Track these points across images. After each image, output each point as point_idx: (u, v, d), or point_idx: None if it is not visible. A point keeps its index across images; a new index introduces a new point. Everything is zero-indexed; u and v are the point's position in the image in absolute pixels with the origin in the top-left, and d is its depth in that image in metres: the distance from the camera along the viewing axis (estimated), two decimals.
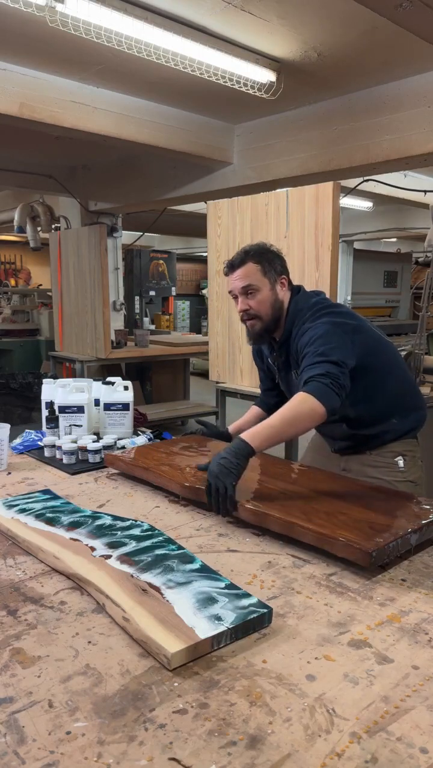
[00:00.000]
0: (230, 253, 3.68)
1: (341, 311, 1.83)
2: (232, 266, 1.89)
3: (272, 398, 2.19)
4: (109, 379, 2.42)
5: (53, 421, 2.25)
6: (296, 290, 1.93)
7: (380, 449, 1.90)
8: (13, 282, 11.20)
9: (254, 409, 2.24)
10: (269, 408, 2.22)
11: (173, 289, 8.82)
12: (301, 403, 1.58)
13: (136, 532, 1.39)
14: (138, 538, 1.35)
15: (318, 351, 1.68)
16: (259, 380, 2.23)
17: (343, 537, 1.27)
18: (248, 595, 1.10)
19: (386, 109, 3.47)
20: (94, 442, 2.07)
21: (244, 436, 1.56)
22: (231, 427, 2.20)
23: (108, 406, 2.33)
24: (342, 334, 1.73)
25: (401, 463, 1.89)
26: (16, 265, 13.18)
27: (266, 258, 1.87)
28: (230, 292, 1.92)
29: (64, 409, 2.25)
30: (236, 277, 1.87)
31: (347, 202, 6.11)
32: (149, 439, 2.27)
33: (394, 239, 9.38)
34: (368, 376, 1.80)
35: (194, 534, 1.46)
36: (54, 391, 2.31)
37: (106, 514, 1.51)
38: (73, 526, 1.42)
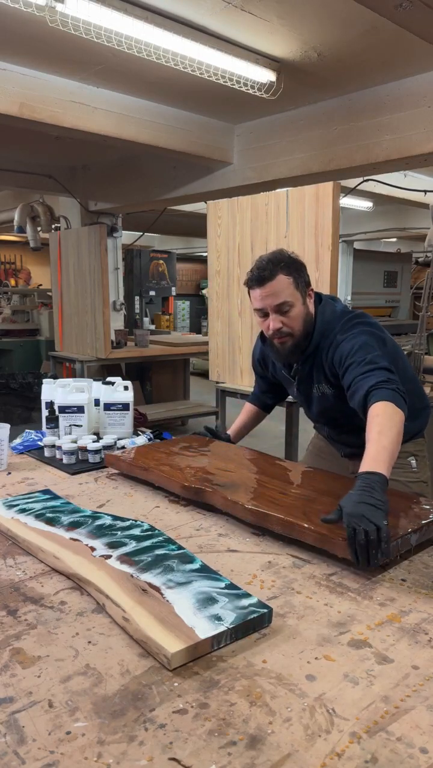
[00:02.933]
0: (230, 253, 3.71)
1: (369, 321, 1.77)
2: (262, 280, 1.70)
3: (268, 399, 2.18)
4: (109, 379, 2.42)
5: (53, 421, 2.25)
6: (318, 299, 1.83)
7: None
8: (13, 282, 11.20)
9: (250, 408, 2.21)
10: (266, 407, 2.20)
11: (173, 289, 8.83)
12: (392, 416, 1.46)
13: (136, 532, 1.39)
14: (138, 538, 1.35)
15: (365, 359, 1.61)
16: (256, 383, 2.20)
17: (343, 537, 1.26)
18: (248, 595, 1.10)
19: (386, 109, 3.47)
20: (94, 442, 2.07)
21: (368, 467, 1.35)
22: (231, 431, 2.19)
23: (108, 406, 2.33)
24: (377, 344, 1.68)
25: (413, 463, 1.88)
26: (16, 265, 13.17)
27: (295, 269, 1.73)
28: (258, 309, 1.75)
29: (64, 409, 2.25)
30: (268, 292, 1.70)
31: (347, 202, 6.11)
32: (149, 439, 2.27)
33: (394, 239, 9.39)
34: None
35: (194, 534, 1.46)
36: (54, 391, 2.31)
37: (106, 514, 1.51)
38: (73, 526, 1.42)
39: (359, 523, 1.19)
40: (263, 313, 1.75)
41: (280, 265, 1.71)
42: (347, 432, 1.90)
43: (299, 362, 1.85)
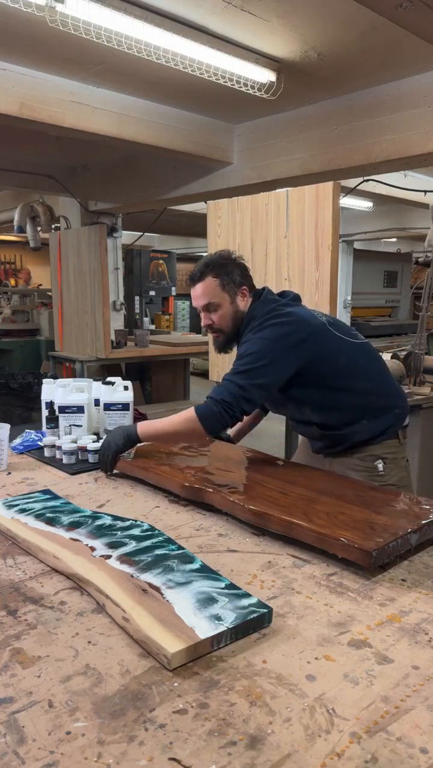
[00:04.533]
0: None
1: (289, 321, 1.79)
2: (192, 280, 1.89)
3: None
4: (109, 379, 2.41)
5: (53, 421, 2.25)
6: (258, 295, 1.92)
7: (361, 452, 1.88)
8: (13, 282, 11.20)
9: None
10: (263, 406, 2.19)
11: (173, 289, 8.82)
12: (186, 422, 1.74)
13: (136, 532, 1.39)
14: (138, 538, 1.34)
15: (238, 369, 1.74)
16: None
17: (343, 537, 1.27)
18: (248, 595, 1.10)
19: (386, 109, 3.47)
20: (94, 442, 2.07)
21: (140, 425, 1.82)
22: (231, 431, 2.20)
23: (108, 406, 2.32)
24: (281, 350, 1.74)
25: (380, 466, 1.87)
26: (16, 265, 13.17)
27: (225, 270, 1.86)
28: (195, 306, 1.94)
29: (64, 409, 2.25)
30: (197, 293, 1.88)
31: (347, 202, 6.11)
32: None
33: (394, 239, 9.38)
34: (325, 382, 1.80)
35: (194, 534, 1.46)
36: (54, 391, 2.31)
37: (106, 514, 1.51)
38: (73, 526, 1.42)
39: (103, 447, 1.86)
40: (199, 311, 1.93)
41: (210, 267, 1.87)
42: (302, 422, 1.97)
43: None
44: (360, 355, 1.90)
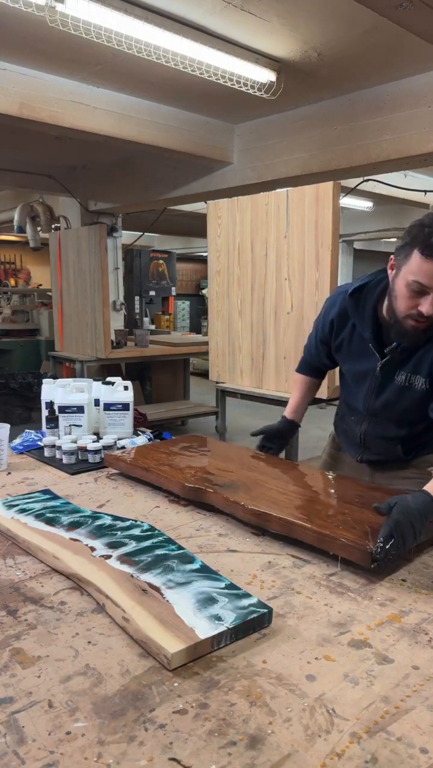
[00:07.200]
0: (230, 253, 3.71)
1: None
2: None
3: (323, 366, 1.97)
4: (109, 379, 2.41)
5: (53, 421, 2.25)
6: None
7: (416, 460, 1.80)
8: (13, 282, 11.21)
9: (304, 379, 2.02)
10: (321, 374, 2.01)
11: (173, 289, 8.83)
12: None
13: (136, 532, 1.39)
14: (138, 538, 1.34)
15: None
16: (311, 348, 1.93)
17: (343, 537, 1.27)
18: (248, 595, 1.10)
19: (386, 109, 3.48)
20: (94, 442, 2.07)
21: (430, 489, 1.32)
22: (287, 412, 2.02)
23: (108, 406, 2.33)
24: None
25: None
26: (16, 265, 13.18)
27: None
28: (419, 283, 1.41)
29: (64, 409, 2.25)
30: None
31: (347, 202, 6.12)
32: (149, 439, 2.27)
33: (394, 239, 9.38)
34: None
35: (194, 534, 1.46)
36: (54, 391, 2.31)
37: (106, 514, 1.51)
38: (73, 526, 1.42)
39: (396, 531, 1.22)
40: (421, 290, 1.43)
41: None
42: (388, 438, 1.76)
43: (401, 348, 1.61)
44: None
